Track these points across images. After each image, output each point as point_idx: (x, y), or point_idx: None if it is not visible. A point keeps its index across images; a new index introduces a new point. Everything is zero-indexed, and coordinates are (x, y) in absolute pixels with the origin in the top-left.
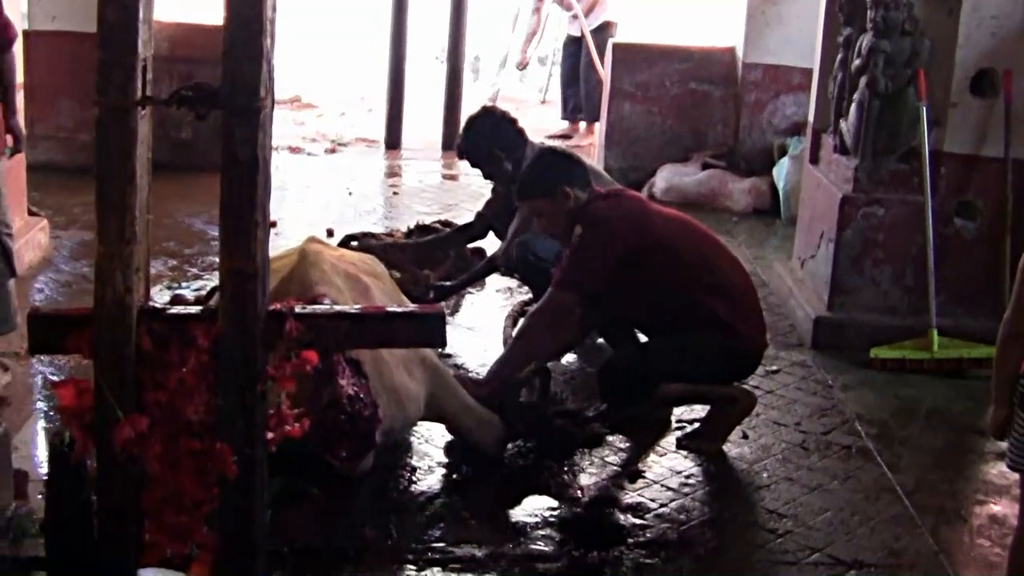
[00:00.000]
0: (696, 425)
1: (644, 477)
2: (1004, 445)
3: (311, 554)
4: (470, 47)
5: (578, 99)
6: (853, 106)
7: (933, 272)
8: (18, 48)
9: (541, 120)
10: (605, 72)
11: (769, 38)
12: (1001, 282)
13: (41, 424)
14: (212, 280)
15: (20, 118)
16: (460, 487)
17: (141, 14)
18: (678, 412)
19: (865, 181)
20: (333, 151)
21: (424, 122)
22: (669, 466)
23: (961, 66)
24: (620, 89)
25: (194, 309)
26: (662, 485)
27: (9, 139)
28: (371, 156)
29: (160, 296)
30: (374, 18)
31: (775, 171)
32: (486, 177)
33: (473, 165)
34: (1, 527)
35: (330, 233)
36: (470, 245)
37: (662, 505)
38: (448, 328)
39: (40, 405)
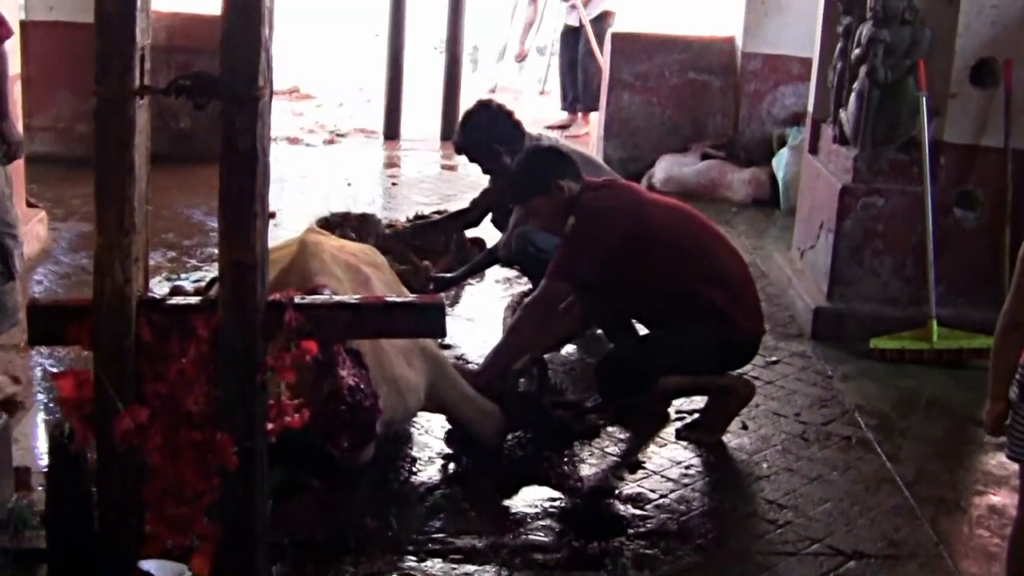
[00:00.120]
0: (695, 416)
1: (644, 468)
2: (999, 440)
3: (312, 545)
4: (469, 38)
5: (577, 89)
6: (853, 96)
7: (933, 262)
8: (13, 45)
9: (540, 111)
10: (604, 62)
11: (768, 28)
12: (1001, 272)
13: (41, 416)
14: (211, 271)
15: (16, 121)
16: (460, 478)
17: (139, 3)
18: (677, 403)
19: (865, 171)
20: (332, 142)
21: (423, 113)
22: (669, 456)
23: (961, 55)
24: (619, 79)
25: (194, 300)
26: (662, 476)
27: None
28: (370, 147)
29: (159, 287)
30: (373, 9)
31: (774, 161)
32: (485, 172)
33: (472, 160)
34: (2, 519)
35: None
36: (470, 235)
37: (662, 496)
38: (448, 319)
39: (40, 397)
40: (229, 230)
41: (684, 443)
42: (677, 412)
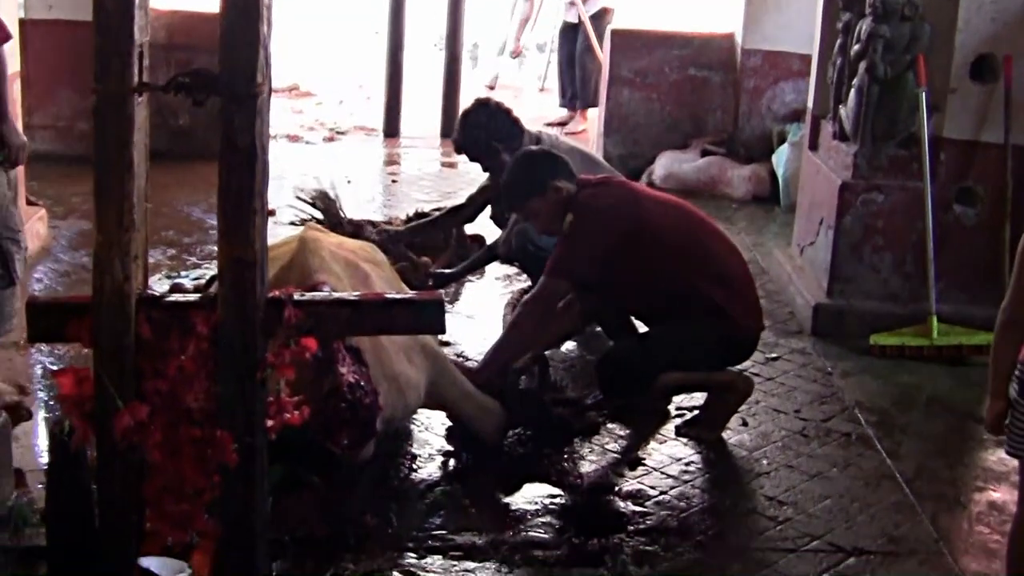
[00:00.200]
0: (695, 412)
1: (644, 464)
2: (1000, 438)
3: (312, 542)
4: (468, 35)
5: (575, 86)
6: (852, 92)
7: (933, 259)
8: (12, 49)
9: (540, 108)
10: (604, 58)
11: (768, 24)
12: (1001, 268)
13: (42, 414)
14: (211, 269)
15: (16, 124)
16: (460, 475)
17: (137, 1)
18: (677, 400)
19: (864, 167)
20: (331, 139)
21: (423, 110)
22: (669, 453)
23: (961, 51)
24: (619, 76)
25: (193, 297)
26: (662, 472)
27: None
28: (370, 144)
29: (159, 285)
30: (373, 6)
31: (774, 158)
32: (485, 170)
33: (471, 159)
34: (2, 517)
35: None
36: (469, 232)
37: (662, 492)
38: (448, 316)
39: (40, 395)
40: (228, 227)
41: (684, 440)
42: (677, 409)
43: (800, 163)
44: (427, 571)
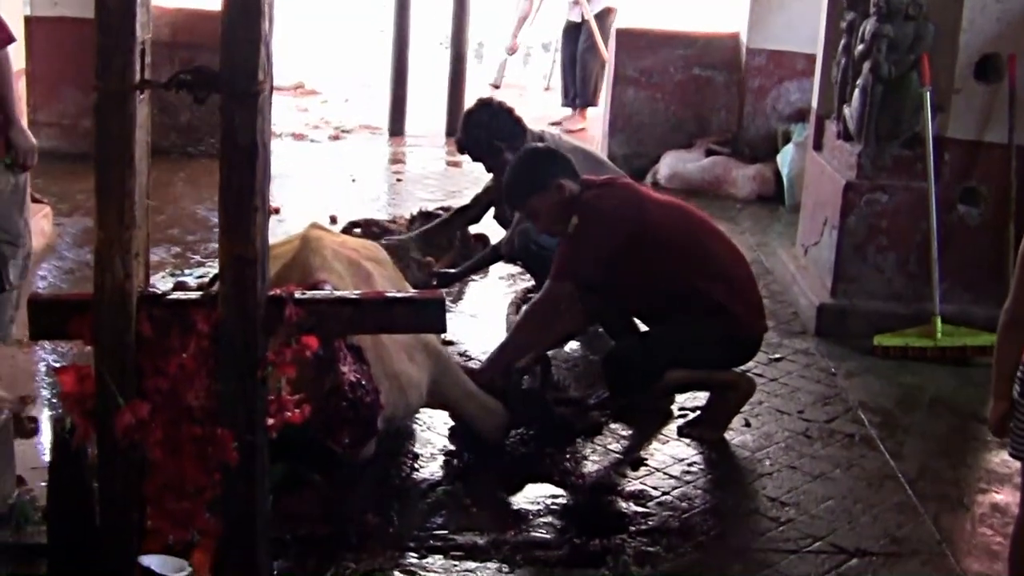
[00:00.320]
0: (697, 413)
1: (646, 465)
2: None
3: (313, 541)
4: (474, 33)
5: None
6: (856, 92)
7: (937, 259)
8: (16, 47)
9: (544, 107)
10: (609, 58)
11: (773, 23)
12: (1005, 269)
13: (45, 411)
14: (215, 267)
15: (24, 127)
16: (462, 474)
17: None
18: (680, 400)
19: (868, 167)
20: (336, 138)
21: (428, 109)
22: (671, 454)
23: (965, 51)
24: (624, 75)
25: (194, 295)
26: (664, 473)
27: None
28: (375, 143)
29: (163, 283)
30: (378, 5)
31: (779, 157)
32: (488, 170)
33: (475, 159)
34: (3, 515)
35: (333, 220)
36: (473, 231)
37: (664, 493)
38: (451, 315)
39: (44, 392)
40: (229, 224)
41: (686, 440)
42: (679, 409)
43: (805, 163)
44: (428, 571)
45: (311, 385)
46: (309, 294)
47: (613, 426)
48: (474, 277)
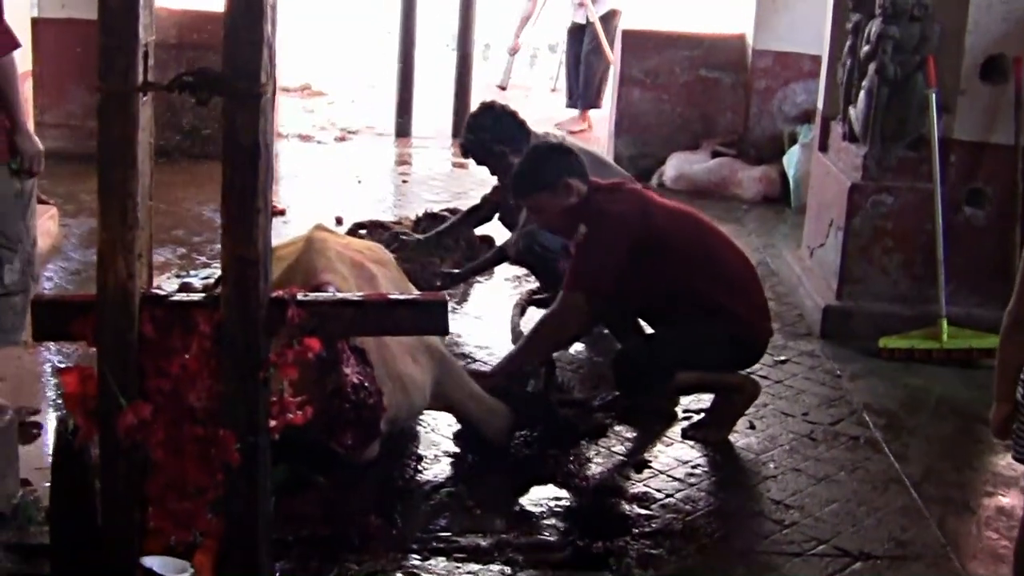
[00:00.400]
0: (702, 415)
1: (650, 467)
2: (1007, 442)
3: (316, 542)
4: (480, 34)
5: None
6: (862, 93)
7: (942, 261)
8: (22, 54)
9: (551, 108)
10: (615, 59)
11: (779, 24)
12: (1011, 270)
13: (51, 412)
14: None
15: (30, 132)
16: (466, 476)
17: (142, 0)
18: (684, 402)
19: (874, 169)
20: (343, 139)
21: (434, 110)
22: (675, 456)
23: (971, 52)
24: (630, 76)
25: (196, 296)
26: (668, 475)
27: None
28: (381, 144)
29: (169, 284)
30: (385, 6)
31: (785, 159)
32: (493, 173)
33: (479, 163)
34: (7, 515)
35: (339, 221)
36: (479, 233)
37: (668, 495)
38: (456, 317)
39: (50, 393)
40: (231, 225)
41: (690, 442)
42: (684, 411)
43: (811, 164)
44: (430, 572)
45: (314, 387)
46: (311, 296)
47: (617, 428)
48: (479, 278)
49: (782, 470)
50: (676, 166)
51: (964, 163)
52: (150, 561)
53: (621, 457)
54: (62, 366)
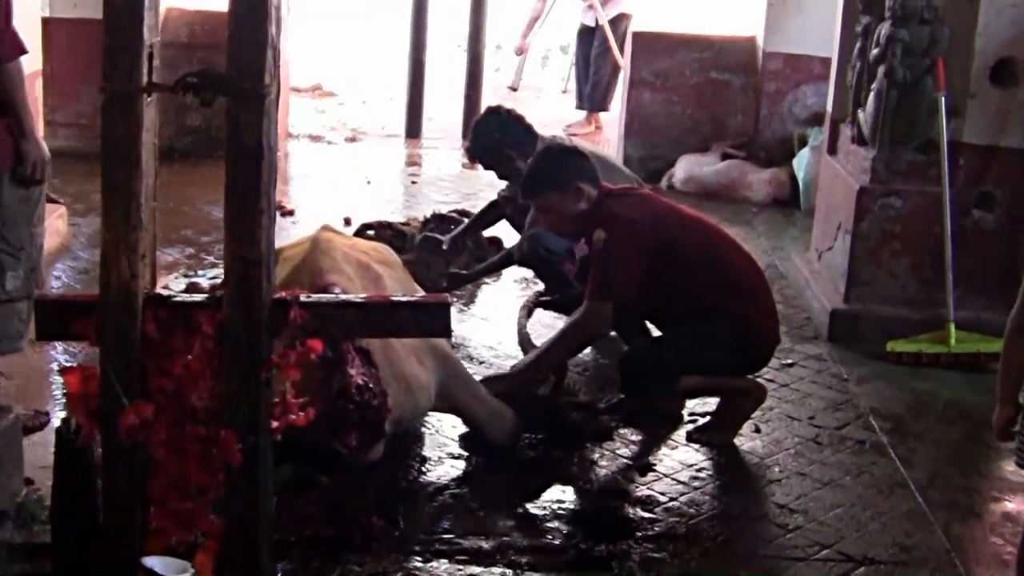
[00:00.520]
0: (707, 418)
1: (655, 470)
2: (1009, 444)
3: (318, 543)
4: (491, 35)
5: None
6: (871, 96)
7: (951, 264)
8: (30, 56)
9: (561, 110)
10: (625, 61)
11: (790, 27)
12: (1020, 275)
13: (58, 410)
14: None
15: (38, 136)
16: (470, 478)
17: (147, 1)
18: (690, 405)
19: (882, 172)
20: (353, 140)
21: (445, 111)
22: (680, 459)
23: (981, 55)
24: (640, 78)
25: (199, 296)
26: (672, 478)
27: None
28: (391, 145)
29: (176, 284)
30: (397, 7)
31: (795, 161)
32: (501, 177)
33: (486, 167)
34: (11, 513)
35: (347, 222)
36: (487, 234)
37: (672, 499)
38: (463, 318)
39: (56, 392)
40: (234, 226)
41: (695, 445)
42: (689, 414)
43: (820, 167)
44: (432, 574)
45: (319, 387)
46: (314, 297)
47: (622, 431)
48: (487, 280)
49: (787, 474)
50: (686, 168)
51: (973, 167)
52: (151, 561)
53: (626, 460)
54: (70, 364)
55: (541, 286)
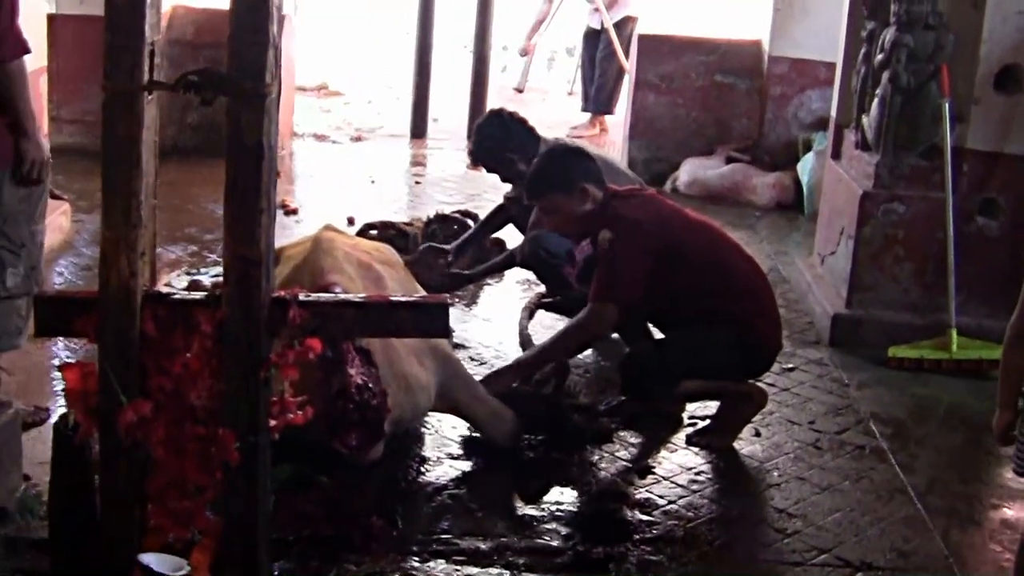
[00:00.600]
0: (707, 421)
1: (653, 473)
2: (1010, 451)
3: (316, 542)
4: (497, 37)
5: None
6: (875, 101)
7: (953, 270)
8: (37, 52)
9: (567, 112)
10: (631, 64)
11: (796, 31)
12: (1023, 281)
13: (58, 406)
14: None
15: (40, 137)
16: (469, 479)
17: None
18: (690, 408)
19: (886, 177)
20: (358, 139)
21: (450, 111)
22: (679, 462)
23: (985, 61)
24: (645, 80)
25: (198, 294)
26: (671, 481)
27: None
28: (396, 145)
29: (179, 281)
30: (404, 7)
31: (800, 166)
32: (504, 180)
33: (489, 171)
34: (9, 509)
35: (351, 221)
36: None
37: (670, 502)
38: (465, 318)
39: (57, 389)
40: (234, 225)
41: (695, 449)
42: (689, 417)
43: (824, 171)
44: (429, 575)
45: (319, 387)
46: (313, 296)
47: (622, 433)
48: (489, 281)
49: (786, 478)
50: (690, 171)
51: (977, 173)
52: (147, 558)
53: (625, 463)
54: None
55: (543, 288)
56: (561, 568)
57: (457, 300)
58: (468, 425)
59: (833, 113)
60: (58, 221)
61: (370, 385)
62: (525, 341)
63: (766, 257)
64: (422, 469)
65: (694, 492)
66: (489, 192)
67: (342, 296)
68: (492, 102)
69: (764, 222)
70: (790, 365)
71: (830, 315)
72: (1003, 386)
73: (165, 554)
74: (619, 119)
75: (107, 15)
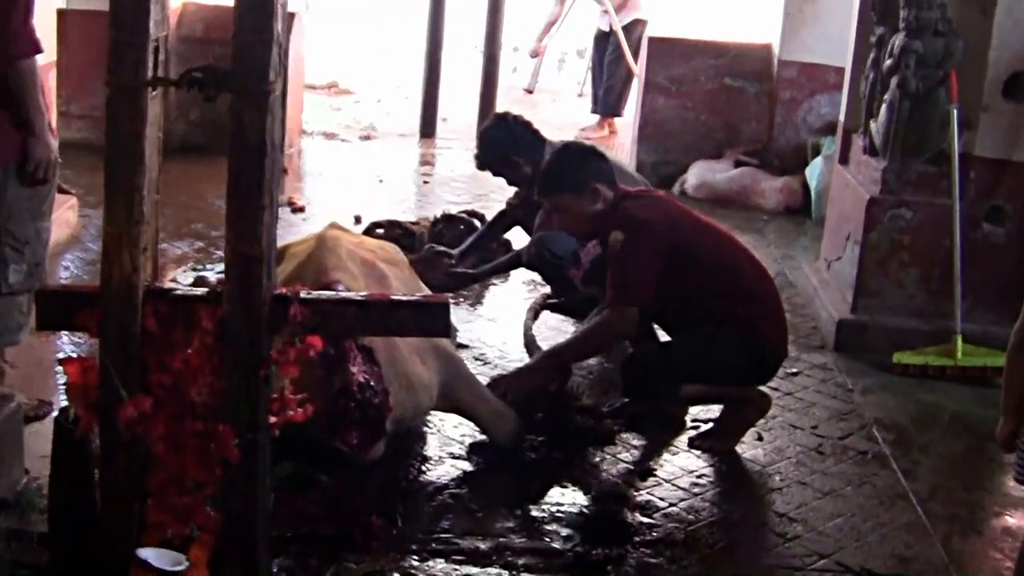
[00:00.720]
0: (710, 425)
1: (655, 476)
2: (1011, 458)
3: (316, 540)
4: (508, 37)
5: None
6: (883, 106)
7: (959, 277)
8: (45, 54)
9: (576, 114)
10: (640, 66)
11: (806, 36)
12: None
13: (62, 400)
14: None
15: (49, 137)
16: (470, 478)
17: None
18: (693, 411)
19: (893, 183)
20: (367, 138)
21: (460, 112)
22: (681, 465)
23: (994, 68)
24: (654, 83)
25: (199, 291)
26: (673, 484)
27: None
28: (405, 144)
29: (184, 277)
30: (415, 6)
31: (808, 170)
32: (510, 184)
33: (495, 174)
34: (10, 502)
35: (358, 220)
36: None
37: (671, 504)
38: (470, 318)
39: (60, 382)
40: (236, 222)
41: (697, 452)
42: (692, 421)
43: (832, 176)
44: (428, 574)
45: (320, 385)
46: (315, 294)
47: (624, 435)
48: (495, 281)
49: (788, 483)
50: (698, 174)
51: (984, 180)
52: (145, 553)
53: (627, 464)
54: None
55: (548, 288)
56: (561, 569)
57: (462, 300)
58: (473, 425)
59: (842, 118)
60: (65, 216)
61: (372, 383)
62: (529, 341)
63: (773, 261)
64: (423, 468)
65: (695, 495)
66: (496, 192)
67: (343, 294)
68: (502, 103)
69: (772, 226)
70: (794, 369)
71: (835, 320)
72: (1007, 394)
73: (164, 549)
74: (628, 121)
75: (112, 11)
